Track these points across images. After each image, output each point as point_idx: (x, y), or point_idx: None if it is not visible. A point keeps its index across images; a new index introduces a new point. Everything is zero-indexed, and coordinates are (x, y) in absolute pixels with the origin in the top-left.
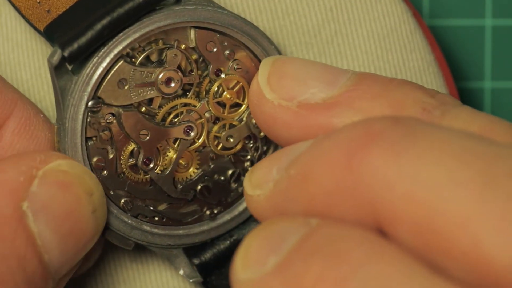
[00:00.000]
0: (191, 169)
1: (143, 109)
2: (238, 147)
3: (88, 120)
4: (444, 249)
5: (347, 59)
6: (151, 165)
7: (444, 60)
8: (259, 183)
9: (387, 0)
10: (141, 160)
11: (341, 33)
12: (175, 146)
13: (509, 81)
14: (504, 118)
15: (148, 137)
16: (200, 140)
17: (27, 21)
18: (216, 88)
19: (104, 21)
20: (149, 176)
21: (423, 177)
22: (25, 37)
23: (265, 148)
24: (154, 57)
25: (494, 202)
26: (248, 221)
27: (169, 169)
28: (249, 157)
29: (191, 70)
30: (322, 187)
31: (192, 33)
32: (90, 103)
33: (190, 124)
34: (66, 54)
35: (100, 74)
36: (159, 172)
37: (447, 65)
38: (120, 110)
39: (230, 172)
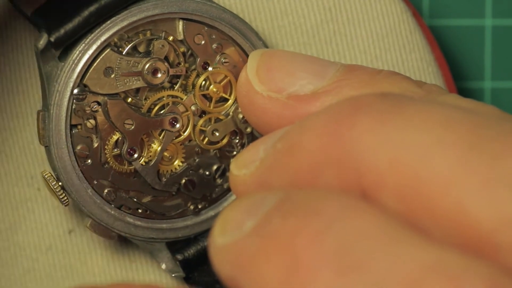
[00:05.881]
0: (176, 162)
1: (129, 100)
2: (224, 141)
3: (73, 107)
4: (428, 212)
5: (346, 59)
6: (135, 156)
7: (444, 60)
8: (246, 163)
9: (386, 0)
10: (125, 150)
11: (339, 33)
12: (160, 138)
13: (509, 81)
14: None
15: (133, 127)
16: (186, 133)
17: (15, 5)
18: (202, 81)
19: (92, 8)
20: (133, 167)
21: (408, 142)
22: (24, 36)
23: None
24: (141, 48)
25: (478, 163)
26: None
27: (154, 160)
28: (235, 152)
29: (179, 63)
30: (308, 157)
31: (180, 25)
32: (75, 91)
33: (176, 116)
34: (52, 39)
35: (86, 61)
36: (144, 163)
37: (447, 65)
38: (106, 98)
39: (215, 167)
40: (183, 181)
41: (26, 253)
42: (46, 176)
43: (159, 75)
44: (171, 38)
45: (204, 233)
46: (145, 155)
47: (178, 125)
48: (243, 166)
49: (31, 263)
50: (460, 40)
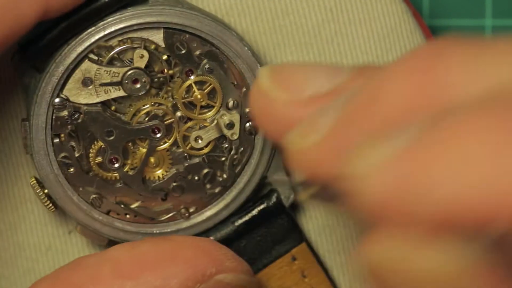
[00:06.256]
0: (163, 169)
1: (113, 108)
2: (209, 148)
3: (53, 117)
4: None
5: (347, 59)
6: (117, 164)
7: None
8: (314, 129)
9: (387, 0)
10: (107, 159)
11: (341, 33)
12: (145, 145)
13: None
14: None
15: (113, 136)
16: (171, 140)
17: None
18: (186, 89)
19: (63, 23)
20: (117, 174)
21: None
22: None
23: (241, 148)
24: (122, 57)
25: None
26: (226, 222)
27: (138, 168)
28: (223, 158)
29: (162, 71)
30: (397, 101)
31: (161, 34)
32: (55, 101)
33: (158, 124)
34: (19, 43)
35: (64, 72)
36: (129, 170)
37: None
38: (85, 108)
39: (204, 172)
40: (171, 186)
41: (26, 254)
42: (32, 183)
43: (139, 84)
44: (153, 46)
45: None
46: (129, 162)
47: (160, 133)
48: (311, 132)
49: (31, 264)
50: None
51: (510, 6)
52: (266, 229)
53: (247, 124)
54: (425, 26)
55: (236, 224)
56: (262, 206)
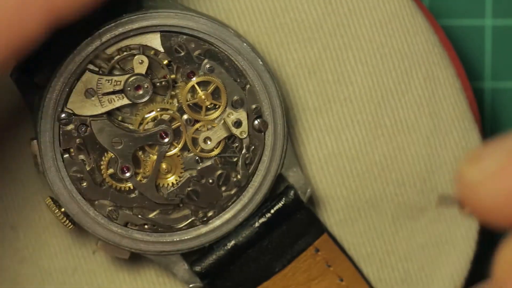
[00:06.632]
0: (175, 174)
1: (119, 117)
2: (220, 148)
3: (60, 132)
4: None
5: (352, 50)
6: (129, 173)
7: (448, 42)
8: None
9: None
10: (118, 168)
11: (343, 25)
12: (154, 151)
13: (509, 81)
14: (504, 118)
15: (121, 145)
16: (180, 144)
17: None
18: (189, 91)
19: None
20: (131, 183)
21: None
22: None
23: (252, 146)
24: (123, 66)
25: None
26: (246, 224)
27: (150, 175)
28: (235, 158)
29: (165, 76)
30: None
31: (158, 38)
32: (61, 116)
33: (165, 129)
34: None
35: (65, 85)
36: (142, 179)
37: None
38: (91, 120)
39: (217, 174)
40: (186, 192)
41: (53, 278)
42: (48, 203)
43: (142, 91)
44: (152, 52)
45: (218, 241)
46: (142, 171)
47: (168, 138)
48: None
49: (59, 287)
50: (460, 40)
51: (510, 6)
52: (287, 225)
53: (256, 122)
54: (425, 8)
55: (257, 225)
56: (280, 204)
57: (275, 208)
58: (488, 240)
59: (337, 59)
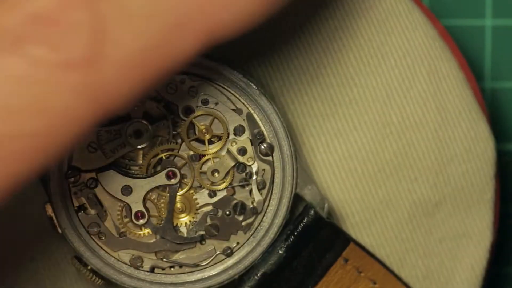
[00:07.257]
0: (191, 212)
1: (126, 165)
2: (229, 178)
3: (70, 190)
4: None
5: (353, 51)
6: (144, 219)
7: (448, 34)
8: None
9: None
10: (132, 216)
11: (341, 27)
12: (166, 193)
13: (509, 81)
14: (504, 118)
15: (131, 193)
16: (190, 182)
17: None
18: (189, 127)
19: None
20: (148, 229)
21: None
22: None
23: (263, 171)
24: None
25: None
26: (272, 251)
27: (166, 217)
28: (248, 186)
29: (164, 117)
30: None
31: None
32: (67, 173)
33: (171, 169)
34: None
35: None
36: (158, 222)
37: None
38: (98, 172)
39: (233, 204)
40: (205, 227)
41: None
42: (73, 263)
43: (142, 136)
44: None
45: (248, 272)
46: (157, 214)
47: (175, 178)
48: None
49: None
50: (460, 40)
51: (510, 6)
52: (312, 244)
53: (262, 146)
54: (421, 3)
55: (282, 251)
56: (302, 226)
57: (298, 230)
58: (503, 228)
59: (338, 62)
